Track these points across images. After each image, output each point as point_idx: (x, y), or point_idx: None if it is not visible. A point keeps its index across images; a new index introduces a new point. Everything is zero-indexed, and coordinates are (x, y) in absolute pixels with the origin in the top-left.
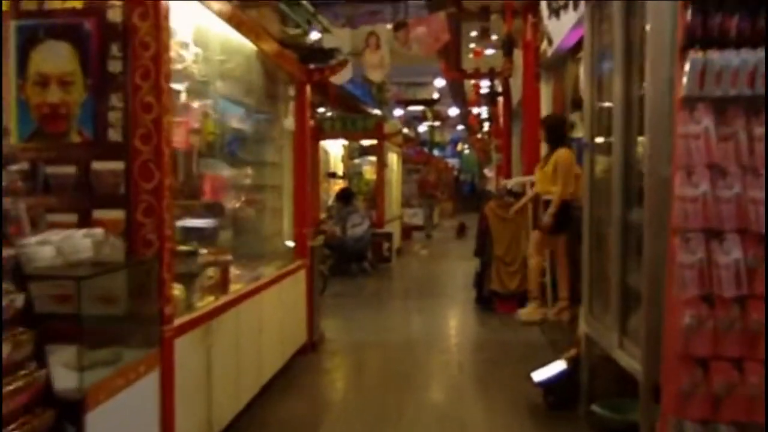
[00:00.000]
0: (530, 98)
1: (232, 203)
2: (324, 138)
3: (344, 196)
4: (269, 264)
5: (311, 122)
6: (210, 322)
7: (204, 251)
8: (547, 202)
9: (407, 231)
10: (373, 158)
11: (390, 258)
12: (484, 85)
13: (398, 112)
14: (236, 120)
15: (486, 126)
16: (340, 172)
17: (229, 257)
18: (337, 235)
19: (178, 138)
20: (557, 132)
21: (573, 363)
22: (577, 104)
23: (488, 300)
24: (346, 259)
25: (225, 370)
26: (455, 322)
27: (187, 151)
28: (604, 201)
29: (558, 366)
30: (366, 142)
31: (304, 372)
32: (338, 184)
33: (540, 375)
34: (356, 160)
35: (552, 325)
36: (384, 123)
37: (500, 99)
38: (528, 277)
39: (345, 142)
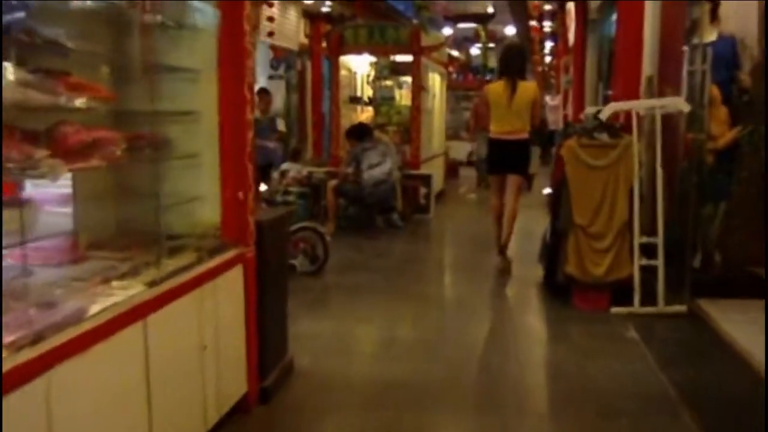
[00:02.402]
0: None
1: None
2: (345, 52)
3: (356, 132)
4: (160, 264)
5: (325, 28)
6: None
7: None
8: None
9: (452, 168)
10: (407, 79)
11: (428, 207)
12: None
13: (447, 31)
14: None
15: (547, 47)
16: (365, 97)
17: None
18: (350, 179)
19: None
20: None
21: None
22: None
23: (563, 288)
24: (366, 210)
25: None
26: (511, 328)
27: None
28: None
29: None
30: (399, 59)
31: None
32: (367, 112)
33: None
34: (386, 82)
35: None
36: (421, 32)
37: (571, 5)
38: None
39: (372, 58)
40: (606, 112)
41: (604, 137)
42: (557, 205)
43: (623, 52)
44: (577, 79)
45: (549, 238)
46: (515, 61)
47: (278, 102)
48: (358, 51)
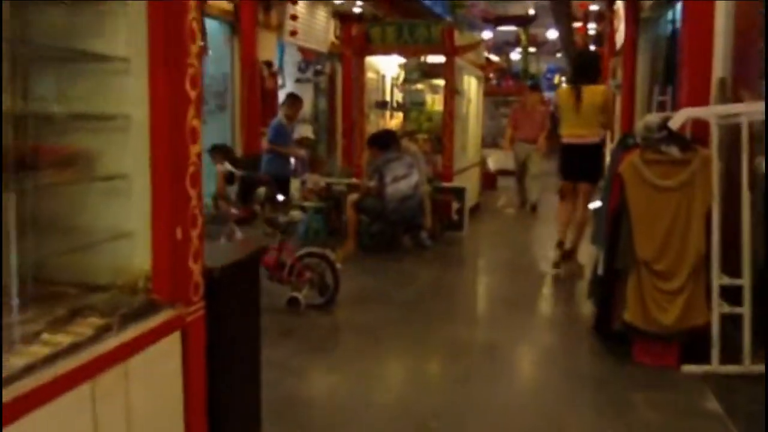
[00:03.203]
0: None
1: None
2: (371, 52)
3: (379, 140)
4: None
5: (354, 30)
6: None
7: None
8: None
9: (490, 179)
10: (440, 82)
11: (460, 224)
12: None
13: (487, 34)
14: None
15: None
16: (394, 102)
17: None
18: (372, 193)
19: None
20: None
21: None
22: None
23: (619, 336)
24: (390, 228)
25: None
26: (554, 392)
27: None
28: None
29: None
30: (431, 60)
31: None
32: (397, 119)
33: None
34: (417, 85)
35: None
36: (455, 31)
37: (620, 3)
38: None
39: (401, 59)
40: (678, 120)
41: (673, 151)
42: (615, 235)
43: (689, 52)
44: (626, 83)
45: (602, 272)
46: (583, 67)
47: (306, 107)
48: (386, 51)
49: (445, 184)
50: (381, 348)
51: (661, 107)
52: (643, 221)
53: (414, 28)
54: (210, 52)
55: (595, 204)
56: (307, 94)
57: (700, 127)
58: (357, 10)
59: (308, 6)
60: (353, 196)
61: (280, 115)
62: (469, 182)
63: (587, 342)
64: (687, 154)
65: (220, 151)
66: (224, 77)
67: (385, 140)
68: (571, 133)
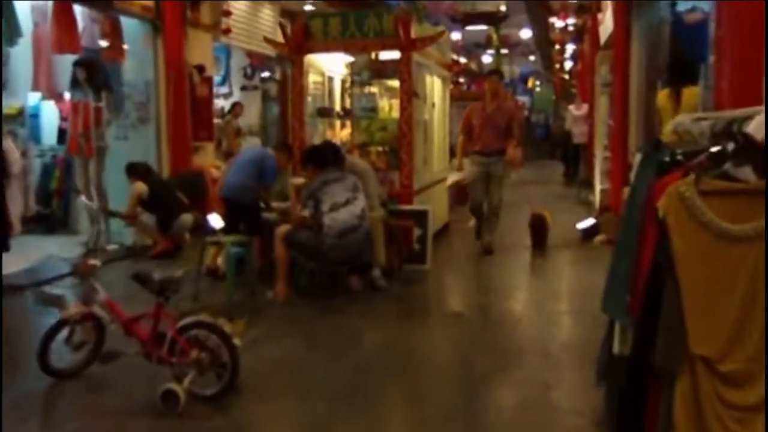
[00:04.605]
0: None
1: None
2: (311, 50)
3: (315, 156)
4: None
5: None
6: None
7: None
8: None
9: (461, 193)
10: (394, 84)
11: (423, 254)
12: None
13: (456, 35)
14: None
15: (569, 48)
16: (339, 109)
17: None
18: (306, 226)
19: None
20: None
21: None
22: None
23: None
24: (330, 270)
25: None
26: None
27: None
28: None
29: None
30: (385, 57)
31: None
32: (347, 129)
33: None
34: (369, 89)
35: None
36: (411, 20)
37: None
38: None
39: (349, 58)
40: (760, 127)
41: (747, 176)
42: (651, 313)
43: (730, 37)
44: (618, 79)
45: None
46: (681, 66)
47: (252, 116)
48: (329, 47)
49: (404, 207)
50: None
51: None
52: (702, 292)
53: (362, 18)
54: (127, 56)
55: (585, 223)
56: (254, 103)
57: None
58: (308, 8)
59: (250, 5)
60: (283, 228)
61: (271, 153)
62: (435, 202)
63: None
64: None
65: (136, 171)
66: (147, 85)
67: (324, 156)
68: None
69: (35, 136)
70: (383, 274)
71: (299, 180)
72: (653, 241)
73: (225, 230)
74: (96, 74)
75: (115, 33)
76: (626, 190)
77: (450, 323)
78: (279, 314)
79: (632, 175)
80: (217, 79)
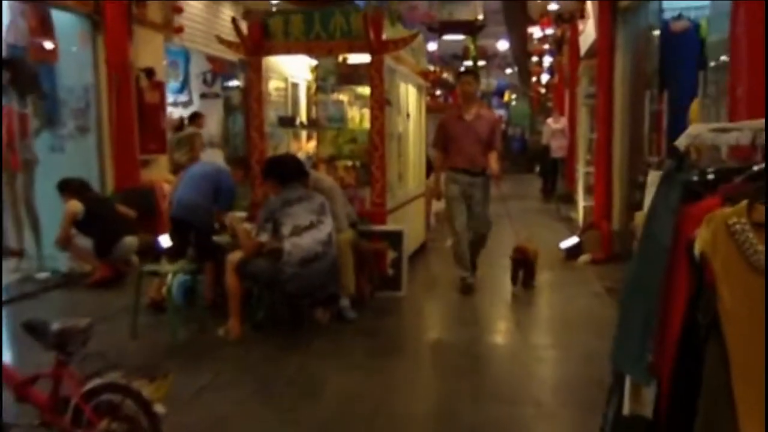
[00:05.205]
0: None
1: None
2: (270, 51)
3: (276, 170)
4: None
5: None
6: None
7: None
8: None
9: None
10: (366, 91)
11: (398, 280)
12: None
13: (432, 46)
14: None
15: (546, 61)
16: (302, 119)
17: None
18: (263, 252)
19: None
20: None
21: None
22: None
23: None
24: (291, 303)
25: None
26: None
27: None
28: None
29: None
30: (354, 60)
31: None
32: (314, 140)
33: None
34: (336, 96)
35: None
36: (382, 19)
37: None
38: None
39: (313, 61)
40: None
41: None
42: (688, 377)
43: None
44: (602, 91)
45: None
46: None
47: (212, 127)
48: (290, 49)
49: (376, 228)
50: None
51: (655, 119)
52: (756, 358)
53: (327, 17)
54: (62, 57)
55: (568, 242)
56: (215, 112)
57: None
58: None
59: (208, 4)
60: (235, 256)
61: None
62: (411, 220)
63: None
64: None
65: (70, 187)
66: (86, 89)
67: (286, 170)
68: None
69: None
70: (353, 304)
71: (240, 215)
72: (686, 288)
73: (172, 254)
74: (21, 76)
75: (44, 29)
76: (638, 216)
77: (427, 363)
78: (230, 356)
79: (647, 198)
80: (174, 85)
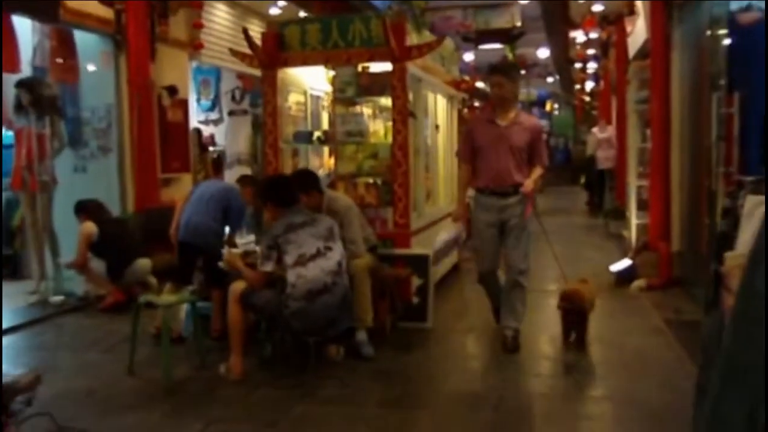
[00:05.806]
0: None
1: None
2: (287, 63)
3: (275, 191)
4: None
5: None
6: None
7: None
8: None
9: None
10: (388, 101)
11: (424, 309)
12: None
13: (468, 56)
14: None
15: (591, 67)
16: (318, 133)
17: None
18: (268, 282)
19: None
20: None
21: None
22: None
23: None
24: (297, 339)
25: None
26: None
27: None
28: None
29: None
30: (375, 69)
31: None
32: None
33: None
34: (355, 107)
35: None
36: (404, 24)
37: None
38: None
39: (330, 72)
40: None
41: None
42: None
43: None
44: (657, 94)
45: None
46: None
47: (240, 144)
48: (307, 60)
49: (399, 252)
50: None
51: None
52: None
53: (346, 24)
54: (84, 77)
55: (619, 264)
56: (243, 129)
57: None
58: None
59: (234, 19)
60: (238, 285)
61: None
62: (436, 242)
63: None
64: None
65: (86, 209)
66: (108, 109)
67: (287, 190)
68: None
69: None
70: (371, 337)
71: (235, 251)
72: None
73: (177, 280)
74: (40, 98)
75: (65, 49)
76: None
77: (451, 419)
78: (229, 399)
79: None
80: (205, 103)
